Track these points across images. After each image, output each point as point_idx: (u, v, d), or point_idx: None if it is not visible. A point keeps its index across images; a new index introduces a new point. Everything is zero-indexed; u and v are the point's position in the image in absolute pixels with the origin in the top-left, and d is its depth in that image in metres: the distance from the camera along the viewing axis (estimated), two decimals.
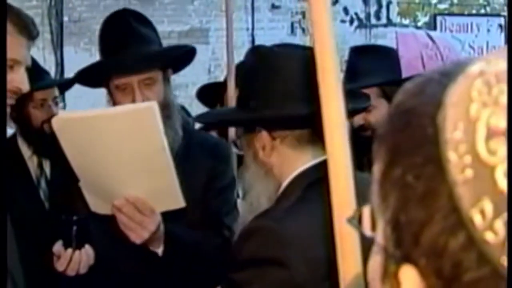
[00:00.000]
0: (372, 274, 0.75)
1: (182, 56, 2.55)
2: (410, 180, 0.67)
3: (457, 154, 0.64)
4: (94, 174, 2.12)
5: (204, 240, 2.35)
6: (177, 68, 2.52)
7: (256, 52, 1.74)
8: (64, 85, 3.39)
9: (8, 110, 1.93)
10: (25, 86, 1.92)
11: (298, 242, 1.49)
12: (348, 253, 0.94)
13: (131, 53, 2.30)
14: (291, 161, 1.67)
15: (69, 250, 2.18)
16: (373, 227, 0.74)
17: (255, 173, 1.74)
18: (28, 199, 2.95)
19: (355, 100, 1.68)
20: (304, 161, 1.64)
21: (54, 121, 2.05)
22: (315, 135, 1.61)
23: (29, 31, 1.94)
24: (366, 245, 1.00)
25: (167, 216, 2.19)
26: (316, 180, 1.58)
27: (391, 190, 0.69)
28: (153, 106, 1.99)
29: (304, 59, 1.55)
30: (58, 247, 2.20)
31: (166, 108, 2.23)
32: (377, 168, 0.73)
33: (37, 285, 2.21)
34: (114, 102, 2.33)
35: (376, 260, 0.74)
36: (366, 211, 0.76)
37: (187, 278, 2.31)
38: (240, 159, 2.95)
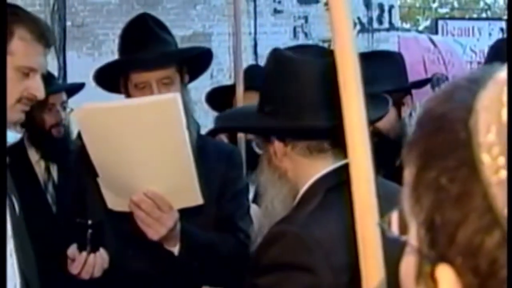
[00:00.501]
0: (405, 275, 0.77)
1: (199, 55, 2.56)
2: (444, 183, 0.69)
3: (490, 156, 0.67)
4: (114, 167, 2.11)
5: (220, 241, 2.35)
6: (194, 74, 2.52)
7: (274, 56, 1.74)
8: (72, 90, 3.40)
9: (22, 115, 1.94)
10: (41, 94, 1.94)
11: (323, 247, 1.49)
12: (370, 258, 0.94)
13: (149, 51, 2.33)
14: (305, 167, 1.67)
15: (84, 254, 2.18)
16: (403, 230, 0.77)
17: (269, 177, 1.74)
18: (35, 203, 2.95)
19: (375, 105, 1.68)
20: (318, 167, 1.64)
21: (76, 112, 2.05)
22: (328, 144, 1.62)
23: (46, 39, 1.95)
24: (390, 249, 1.01)
25: (182, 216, 2.18)
26: (335, 185, 1.59)
27: (424, 192, 0.72)
28: (177, 97, 1.99)
29: (321, 67, 1.56)
30: (72, 250, 2.20)
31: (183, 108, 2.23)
32: (409, 172, 0.75)
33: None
34: None
35: (409, 261, 0.76)
36: (394, 215, 0.79)
37: (201, 279, 2.31)
38: (252, 162, 2.98)
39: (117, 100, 2.24)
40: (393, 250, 1.06)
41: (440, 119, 0.73)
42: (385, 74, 2.82)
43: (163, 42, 2.39)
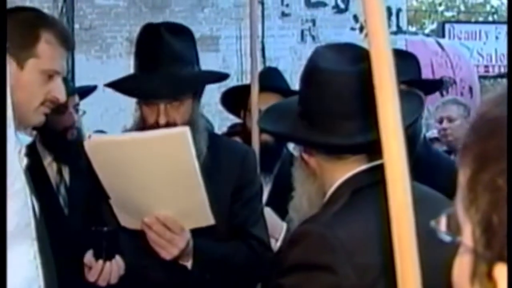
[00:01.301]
0: (459, 275, 0.78)
1: (212, 81, 2.54)
2: (501, 184, 0.71)
3: None
4: (125, 195, 2.14)
5: (232, 252, 2.35)
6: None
7: (317, 68, 1.72)
8: (84, 92, 3.39)
9: (44, 118, 1.95)
10: (63, 97, 1.95)
11: (346, 247, 1.49)
12: (406, 257, 0.94)
13: (161, 76, 2.27)
14: (329, 170, 1.69)
15: (100, 261, 2.18)
16: (454, 230, 0.78)
17: (300, 175, 1.77)
18: (47, 205, 2.94)
19: (409, 102, 1.68)
20: (341, 171, 1.65)
21: (87, 144, 2.07)
22: (348, 152, 1.63)
23: (68, 44, 1.97)
24: (426, 249, 1.01)
25: (195, 231, 2.18)
26: (361, 187, 1.61)
27: (481, 194, 0.73)
28: (186, 132, 2.01)
29: (353, 77, 1.56)
30: (89, 258, 2.20)
31: (191, 125, 2.20)
32: (463, 175, 0.77)
33: None
34: (141, 112, 2.32)
35: (463, 261, 0.77)
36: (443, 216, 0.81)
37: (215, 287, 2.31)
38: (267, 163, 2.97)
39: (126, 134, 2.25)
40: (433, 252, 1.06)
41: (493, 123, 0.75)
42: (401, 68, 2.81)
43: (177, 61, 2.31)
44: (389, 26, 10.13)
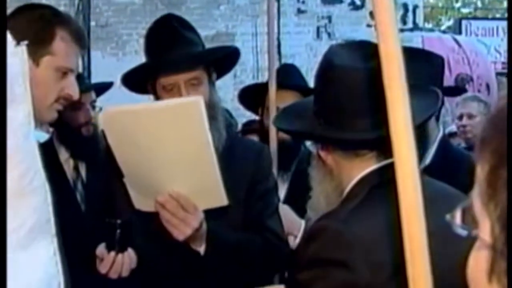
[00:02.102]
0: (475, 270, 0.77)
1: (226, 55, 2.55)
2: None
3: None
4: (139, 169, 2.13)
5: (247, 241, 2.35)
6: (221, 72, 2.53)
7: (332, 65, 1.73)
8: (100, 89, 3.41)
9: (57, 115, 1.97)
10: (76, 94, 1.97)
11: (362, 244, 1.49)
12: (417, 256, 0.94)
13: (177, 53, 2.33)
14: (347, 168, 1.69)
15: (112, 253, 2.19)
16: (470, 224, 0.77)
17: (317, 173, 1.77)
18: (65, 202, 2.96)
19: (424, 99, 1.68)
20: (359, 168, 1.65)
21: (102, 115, 2.08)
22: (365, 148, 1.64)
23: (82, 41, 1.99)
24: (441, 248, 1.01)
25: (209, 217, 2.19)
26: (379, 183, 1.60)
27: (500, 190, 0.72)
28: (199, 100, 2.01)
29: (366, 73, 1.57)
30: (101, 249, 2.22)
31: (211, 109, 2.24)
32: (481, 170, 0.76)
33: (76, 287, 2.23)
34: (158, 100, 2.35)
35: (480, 257, 0.76)
36: (458, 211, 0.79)
37: (228, 279, 2.31)
38: (284, 162, 2.98)
39: (141, 103, 2.26)
40: (448, 250, 1.06)
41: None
42: (422, 72, 2.80)
43: (189, 43, 2.38)
44: (406, 22, 10.13)
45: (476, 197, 0.76)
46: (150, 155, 2.08)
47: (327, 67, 1.71)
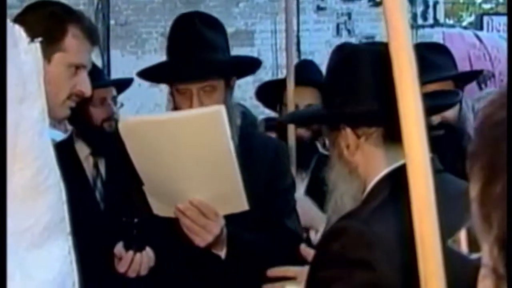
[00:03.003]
0: None
1: (244, 67, 2.53)
2: None
3: None
4: (159, 178, 2.12)
5: (266, 243, 2.32)
6: (241, 75, 2.50)
7: (341, 49, 1.72)
8: (122, 85, 3.38)
9: (69, 112, 1.97)
10: (88, 90, 1.96)
11: (384, 243, 1.46)
12: (429, 258, 0.91)
13: (193, 60, 2.29)
14: (377, 160, 1.63)
15: (130, 252, 2.18)
16: (473, 247, 0.71)
17: (340, 172, 1.71)
18: (84, 200, 2.96)
19: (443, 95, 1.66)
20: (390, 160, 1.60)
21: (121, 126, 2.06)
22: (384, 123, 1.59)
23: (94, 38, 1.99)
24: (462, 267, 0.97)
25: (228, 217, 2.17)
26: (402, 181, 1.56)
27: (493, 209, 0.65)
28: (221, 110, 1.98)
29: (381, 53, 1.54)
30: (119, 248, 2.21)
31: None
32: (473, 188, 0.69)
33: (95, 285, 2.23)
34: (174, 102, 2.34)
35: (486, 283, 0.69)
36: (463, 232, 0.73)
37: (249, 281, 2.29)
38: (303, 159, 2.96)
39: (161, 113, 2.25)
40: (459, 266, 1.03)
41: (500, 126, 0.66)
42: (445, 62, 2.77)
43: (210, 48, 2.33)
44: (426, 19, 10.05)
45: (474, 218, 0.70)
46: (170, 164, 2.07)
47: (340, 50, 1.71)
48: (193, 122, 2.01)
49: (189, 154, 2.04)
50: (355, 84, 1.62)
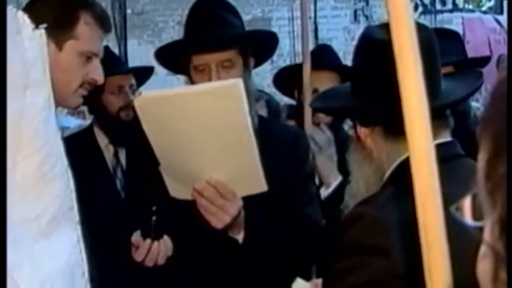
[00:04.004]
0: (482, 275, 0.66)
1: (262, 39, 2.50)
2: None
3: None
4: (175, 156, 2.07)
5: (284, 229, 2.29)
6: (259, 59, 2.47)
7: (362, 35, 1.70)
8: (141, 75, 3.34)
9: (82, 100, 1.95)
10: (101, 78, 1.94)
11: (399, 231, 1.43)
12: (433, 246, 0.88)
13: (211, 33, 2.28)
14: (387, 150, 1.62)
15: (148, 241, 2.17)
16: (477, 216, 0.67)
17: (356, 157, 1.72)
18: (104, 189, 2.96)
19: (467, 78, 1.63)
20: (399, 150, 1.56)
21: (137, 101, 2.01)
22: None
23: (106, 25, 1.96)
24: (460, 235, 0.94)
25: (245, 203, 2.12)
26: None
27: (498, 186, 0.61)
28: (239, 83, 1.93)
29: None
30: (136, 237, 2.19)
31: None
32: (482, 157, 0.64)
33: (112, 275, 2.23)
34: (191, 82, 2.32)
35: (485, 263, 0.65)
36: (467, 200, 0.68)
37: (266, 267, 2.27)
38: None
39: (178, 88, 2.21)
40: (462, 240, 1.00)
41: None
42: (448, 48, 2.74)
43: (228, 25, 2.33)
44: (445, 3, 9.95)
45: (479, 189, 0.65)
46: (186, 141, 2.02)
47: (366, 43, 1.67)
48: (210, 95, 1.95)
49: (205, 129, 1.99)
50: (379, 84, 1.60)
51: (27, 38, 1.54)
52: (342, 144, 2.86)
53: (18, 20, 1.50)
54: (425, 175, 0.92)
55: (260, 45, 2.45)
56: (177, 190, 2.14)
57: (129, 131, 2.90)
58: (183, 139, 2.02)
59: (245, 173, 2.06)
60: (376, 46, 1.61)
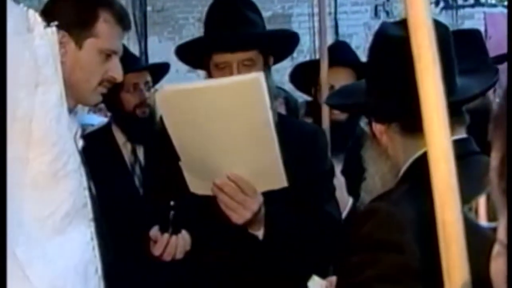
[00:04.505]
0: (496, 277, 0.65)
1: (284, 39, 2.50)
2: None
3: None
4: (196, 151, 2.05)
5: (305, 225, 2.26)
6: (278, 57, 2.45)
7: (377, 31, 1.70)
8: (159, 71, 3.34)
9: (101, 98, 1.95)
10: (120, 76, 1.93)
11: (414, 226, 1.42)
12: (452, 244, 0.86)
13: (233, 32, 2.27)
14: (402, 146, 1.62)
15: (166, 235, 2.15)
16: (492, 217, 0.65)
17: (372, 153, 1.72)
18: (123, 186, 2.96)
19: (483, 75, 1.61)
20: (415, 147, 1.56)
21: (158, 95, 2.01)
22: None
23: (125, 23, 1.96)
24: (473, 236, 0.92)
25: (266, 200, 2.10)
26: None
27: None
28: (260, 77, 1.91)
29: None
30: (154, 231, 2.17)
31: None
32: (494, 157, 0.64)
33: (131, 270, 2.21)
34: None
35: (499, 262, 0.64)
36: (482, 199, 0.66)
37: (285, 264, 2.25)
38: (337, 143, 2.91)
39: (199, 81, 2.20)
40: (475, 239, 0.98)
41: None
42: (464, 52, 2.70)
43: (249, 23, 2.31)
44: None
45: (492, 187, 0.64)
46: (207, 135, 2.00)
47: (381, 40, 1.66)
48: (231, 90, 1.94)
49: (226, 124, 1.97)
50: (395, 81, 1.58)
51: (38, 36, 1.54)
52: (358, 140, 2.84)
53: (30, 19, 1.50)
54: (444, 173, 0.90)
55: (282, 43, 2.44)
56: (197, 185, 2.12)
57: (145, 128, 2.91)
58: (204, 133, 2.01)
59: (265, 168, 2.04)
60: (391, 42, 1.60)
